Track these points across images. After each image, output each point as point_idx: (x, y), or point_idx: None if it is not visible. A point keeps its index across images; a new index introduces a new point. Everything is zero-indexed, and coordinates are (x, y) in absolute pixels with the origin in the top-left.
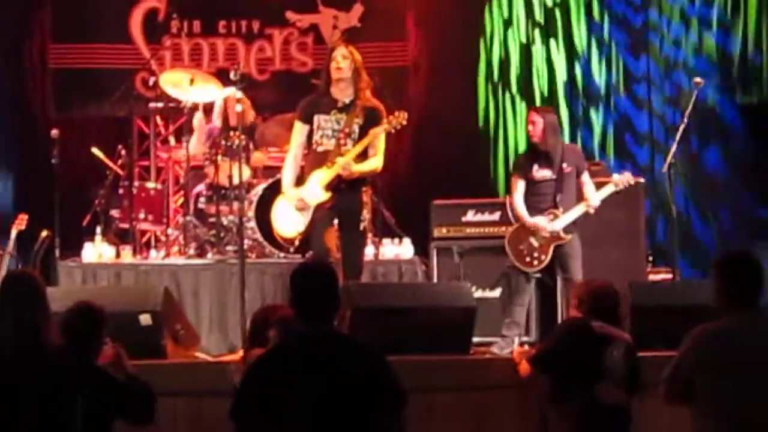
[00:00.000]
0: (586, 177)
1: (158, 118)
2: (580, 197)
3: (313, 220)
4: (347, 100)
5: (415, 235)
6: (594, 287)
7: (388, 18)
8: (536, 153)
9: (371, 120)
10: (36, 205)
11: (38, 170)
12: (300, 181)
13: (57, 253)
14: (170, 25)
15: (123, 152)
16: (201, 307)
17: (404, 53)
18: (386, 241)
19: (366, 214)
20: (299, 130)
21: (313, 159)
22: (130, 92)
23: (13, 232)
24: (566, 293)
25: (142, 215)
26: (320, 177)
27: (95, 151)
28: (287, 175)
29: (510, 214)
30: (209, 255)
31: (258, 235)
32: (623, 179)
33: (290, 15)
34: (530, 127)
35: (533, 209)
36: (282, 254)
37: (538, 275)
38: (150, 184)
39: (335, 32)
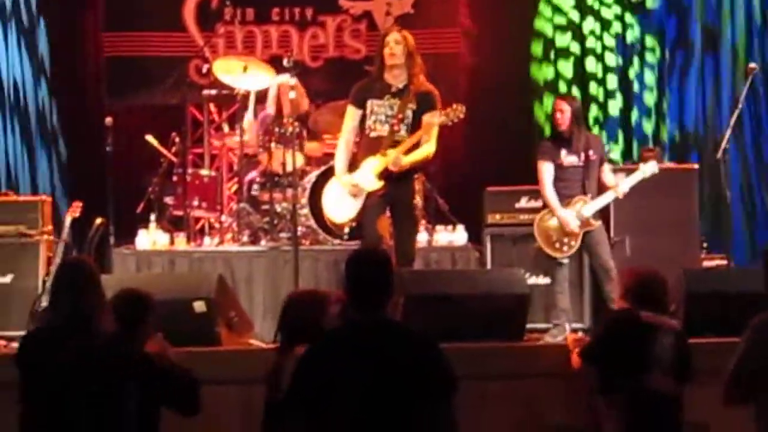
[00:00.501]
0: (607, 166)
1: (212, 106)
2: (601, 186)
3: (364, 207)
4: (401, 85)
5: (469, 222)
6: (640, 276)
7: (440, 4)
8: (562, 140)
9: (425, 105)
10: (90, 192)
11: (92, 158)
12: (352, 166)
13: (111, 240)
14: (223, 12)
15: (177, 140)
16: (254, 294)
17: (456, 39)
18: (439, 227)
19: (418, 202)
20: (352, 114)
21: (366, 145)
22: (184, 80)
23: (68, 220)
24: (596, 279)
25: (195, 202)
26: (374, 165)
27: (149, 138)
28: (340, 161)
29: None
30: (263, 242)
31: (311, 222)
32: (649, 168)
33: (343, 2)
34: (558, 115)
35: (562, 195)
36: (336, 241)
37: (566, 260)
38: (204, 172)
39: (388, 19)
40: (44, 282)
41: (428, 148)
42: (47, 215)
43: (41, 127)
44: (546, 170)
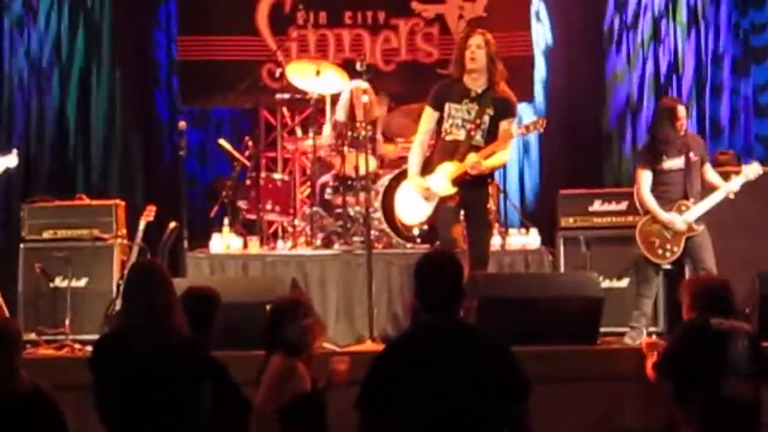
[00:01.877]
0: (708, 166)
1: (284, 110)
2: (703, 187)
3: (438, 211)
4: (480, 90)
5: (542, 225)
6: (705, 283)
7: (512, 8)
8: (662, 143)
9: (502, 111)
10: (164, 196)
11: (166, 162)
12: (426, 169)
13: (185, 244)
14: (296, 16)
15: (250, 143)
16: (328, 297)
17: (527, 43)
18: (513, 231)
19: (492, 206)
20: (429, 116)
21: (442, 148)
22: (257, 84)
23: (142, 224)
24: (670, 284)
25: (269, 206)
26: (449, 170)
27: (222, 142)
28: (413, 162)
29: (638, 206)
30: (336, 245)
31: (384, 226)
32: (752, 169)
33: (416, 5)
34: (678, 122)
35: (662, 200)
36: (409, 245)
37: (668, 266)
38: (276, 175)
39: (460, 22)
40: (118, 286)
41: (504, 156)
42: (121, 219)
43: (115, 132)
44: (645, 177)
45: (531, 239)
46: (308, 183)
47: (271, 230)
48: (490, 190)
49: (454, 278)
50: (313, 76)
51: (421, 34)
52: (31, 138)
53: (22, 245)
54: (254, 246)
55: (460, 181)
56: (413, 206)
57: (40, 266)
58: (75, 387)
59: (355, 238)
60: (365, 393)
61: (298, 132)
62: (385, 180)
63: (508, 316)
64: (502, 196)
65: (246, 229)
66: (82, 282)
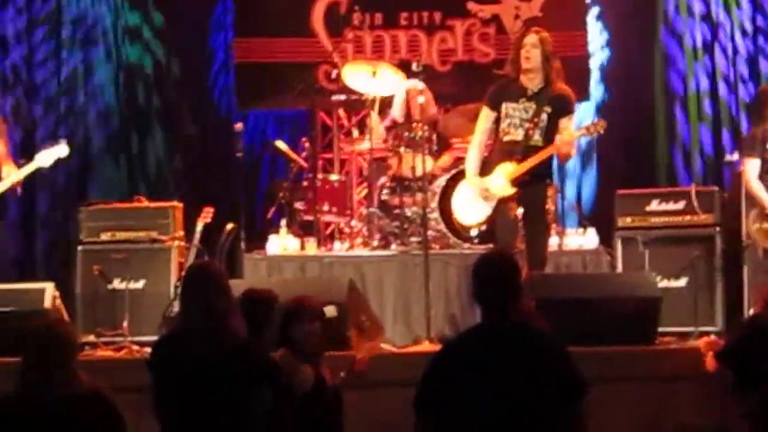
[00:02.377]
0: None
1: (341, 111)
2: None
3: (495, 212)
4: (536, 89)
5: (600, 226)
6: None
7: (568, 8)
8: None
9: (561, 108)
10: (221, 198)
11: (223, 164)
12: (484, 169)
13: (242, 246)
14: (352, 17)
15: (307, 145)
16: (385, 298)
17: (583, 42)
18: (570, 231)
19: (551, 207)
20: (486, 116)
21: (500, 149)
22: (313, 85)
23: (199, 225)
24: (729, 281)
25: (326, 207)
26: (508, 170)
27: (279, 144)
28: (471, 162)
29: (744, 196)
30: (393, 246)
31: (442, 226)
32: None
33: (472, 5)
34: None
35: None
36: (466, 245)
37: None
38: (333, 177)
39: (516, 22)
40: (176, 287)
41: (570, 144)
42: (179, 221)
43: (173, 133)
44: (752, 166)
45: (588, 239)
46: (365, 184)
47: (328, 231)
48: (549, 191)
49: (511, 279)
50: (369, 77)
51: (477, 34)
52: (89, 139)
53: (80, 247)
54: (311, 247)
55: (519, 181)
56: (471, 207)
57: (98, 268)
58: (133, 389)
59: (412, 239)
60: (422, 393)
61: (355, 133)
62: (441, 180)
63: (565, 316)
64: (559, 196)
65: (303, 230)
66: (140, 284)
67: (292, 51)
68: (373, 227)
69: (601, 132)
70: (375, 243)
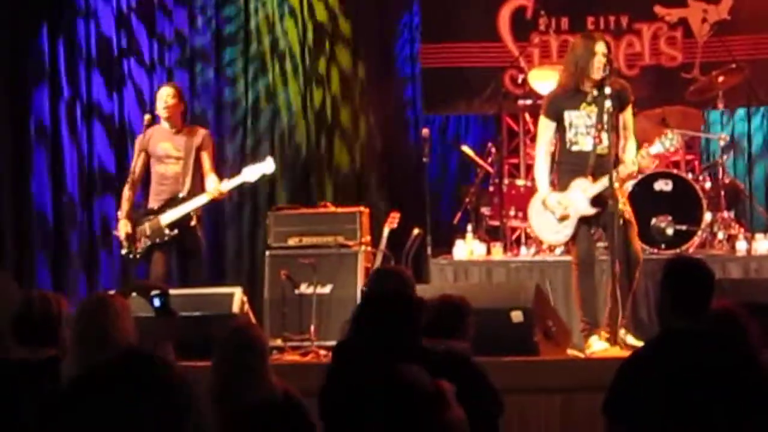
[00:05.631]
0: None
1: (527, 115)
2: None
3: (578, 230)
4: (595, 92)
5: None
6: None
7: (758, 10)
8: None
9: (621, 103)
10: (408, 203)
11: (410, 169)
12: (555, 182)
13: (428, 250)
14: (538, 22)
15: (493, 150)
16: (571, 303)
17: None
18: (759, 236)
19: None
20: (546, 126)
21: (568, 160)
22: (499, 90)
23: (386, 231)
24: None
25: (512, 212)
26: (586, 188)
27: (465, 149)
28: (543, 179)
29: None
30: None
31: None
32: None
33: (659, 9)
34: None
35: None
36: (653, 249)
37: None
38: (520, 182)
39: (704, 26)
40: (362, 292)
41: (634, 147)
42: (365, 226)
43: (359, 139)
44: None
45: None
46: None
47: (515, 236)
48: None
49: (707, 283)
50: (555, 82)
51: (664, 38)
52: (278, 146)
53: (267, 252)
54: (497, 252)
55: (600, 199)
56: (551, 227)
57: (286, 273)
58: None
59: (600, 244)
60: (613, 398)
61: None
62: (628, 185)
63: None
64: (747, 200)
65: (489, 235)
66: (327, 289)
67: (480, 56)
68: None
69: (676, 146)
70: (561, 248)
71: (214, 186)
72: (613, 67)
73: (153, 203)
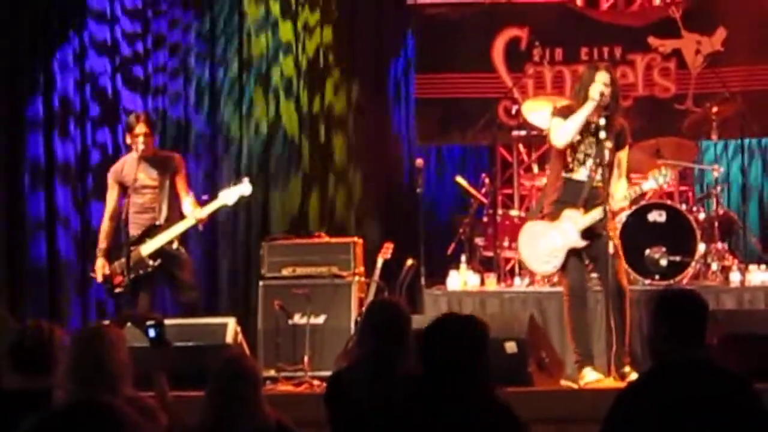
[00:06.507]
0: None
1: (521, 146)
2: None
3: (567, 263)
4: (599, 124)
5: None
6: None
7: (753, 41)
8: None
9: (620, 143)
10: (401, 234)
11: (403, 199)
12: (546, 208)
13: (422, 281)
14: (532, 53)
15: (487, 181)
16: (566, 334)
17: None
18: (752, 267)
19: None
20: (560, 120)
21: (563, 187)
22: (494, 121)
23: (379, 261)
24: None
25: (506, 243)
26: (577, 220)
27: (459, 179)
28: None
29: None
30: None
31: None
32: None
33: (652, 40)
34: None
35: None
36: (647, 281)
37: None
38: (514, 212)
39: (697, 57)
40: (356, 323)
41: (624, 187)
42: (359, 256)
43: (350, 170)
44: None
45: None
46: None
47: (508, 267)
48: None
49: (702, 314)
50: (550, 113)
51: (658, 69)
52: (273, 175)
53: (261, 282)
54: (491, 283)
55: (590, 232)
56: (540, 257)
57: (280, 303)
58: (314, 423)
59: (593, 275)
60: (608, 430)
61: (535, 169)
62: (622, 216)
63: (749, 352)
64: (740, 230)
65: (483, 266)
66: (321, 319)
67: (474, 87)
68: None
69: (669, 182)
70: (555, 279)
71: (192, 212)
72: (619, 104)
73: (132, 231)
